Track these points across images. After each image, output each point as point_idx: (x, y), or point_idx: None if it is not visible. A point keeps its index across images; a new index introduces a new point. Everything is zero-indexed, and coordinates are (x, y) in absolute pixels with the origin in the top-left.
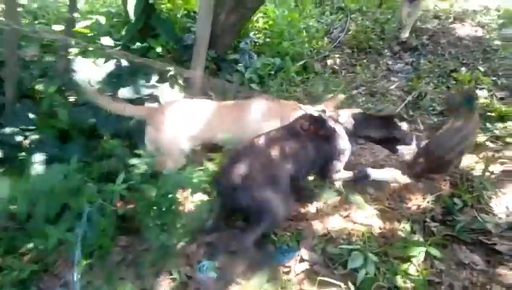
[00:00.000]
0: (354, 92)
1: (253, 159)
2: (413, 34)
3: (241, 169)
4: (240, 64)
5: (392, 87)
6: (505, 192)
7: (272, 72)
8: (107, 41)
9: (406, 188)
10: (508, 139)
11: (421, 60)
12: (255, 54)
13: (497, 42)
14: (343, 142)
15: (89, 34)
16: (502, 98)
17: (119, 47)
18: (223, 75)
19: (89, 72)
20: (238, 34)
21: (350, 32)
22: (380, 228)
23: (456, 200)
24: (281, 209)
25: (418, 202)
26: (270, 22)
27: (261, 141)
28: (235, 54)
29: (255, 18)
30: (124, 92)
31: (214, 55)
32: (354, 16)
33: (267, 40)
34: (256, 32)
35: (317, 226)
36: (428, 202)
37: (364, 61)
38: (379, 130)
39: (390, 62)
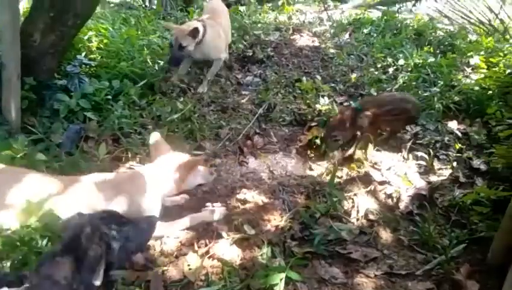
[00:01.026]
0: (205, 109)
1: None
2: (258, 46)
3: None
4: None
5: (243, 101)
6: (356, 193)
7: (110, 97)
8: None
9: (263, 209)
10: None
11: (267, 71)
12: (86, 78)
13: (332, 50)
14: None
15: None
16: (341, 103)
17: None
18: (49, 105)
19: None
20: (63, 56)
21: None
22: (241, 259)
23: (313, 211)
24: None
25: (277, 221)
26: (105, 41)
27: None
28: (64, 80)
29: (86, 37)
30: None
31: (33, 83)
32: None
33: (104, 60)
34: (90, 52)
35: (172, 271)
36: (286, 220)
37: (215, 77)
38: None
39: (239, 76)
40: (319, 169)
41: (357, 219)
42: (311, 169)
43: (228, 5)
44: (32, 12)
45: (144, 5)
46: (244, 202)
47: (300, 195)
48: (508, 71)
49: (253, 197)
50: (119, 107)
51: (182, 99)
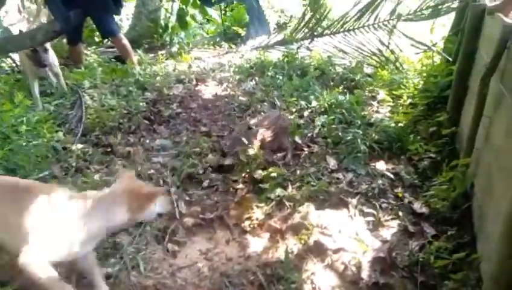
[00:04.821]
0: None
1: None
2: (162, 103)
3: None
4: None
5: (154, 171)
6: (313, 272)
7: None
8: None
9: None
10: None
11: (178, 131)
12: None
13: (242, 98)
14: None
15: None
16: None
17: None
18: None
19: None
20: None
21: (91, 115)
22: None
23: None
24: None
25: None
26: None
27: None
28: None
29: None
30: None
31: None
32: (90, 92)
33: None
34: None
35: None
36: None
37: (118, 146)
38: None
39: (147, 140)
40: (260, 243)
41: None
42: (252, 246)
43: (118, 58)
44: None
45: (18, 67)
46: None
47: (252, 286)
48: (409, 101)
49: None
50: None
51: (79, 181)
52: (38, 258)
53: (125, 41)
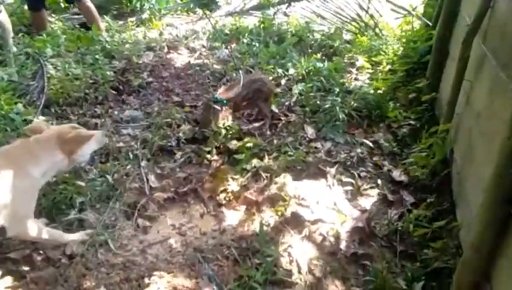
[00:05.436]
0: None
1: None
2: (131, 72)
3: None
4: None
5: (125, 144)
6: (290, 244)
7: None
8: None
9: None
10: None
11: (149, 101)
12: None
13: (216, 66)
14: None
15: None
16: None
17: None
18: None
19: None
20: None
21: (54, 85)
22: None
23: (248, 283)
24: None
25: None
26: None
27: None
28: None
29: None
30: None
31: None
32: (53, 61)
33: None
34: None
35: None
36: None
37: (84, 118)
38: None
39: (115, 111)
40: (236, 216)
41: (301, 279)
42: (227, 219)
43: (84, 25)
44: None
45: None
46: None
47: (227, 260)
48: (389, 67)
49: (168, 282)
50: None
51: None
52: (26, 220)
53: (91, 6)
